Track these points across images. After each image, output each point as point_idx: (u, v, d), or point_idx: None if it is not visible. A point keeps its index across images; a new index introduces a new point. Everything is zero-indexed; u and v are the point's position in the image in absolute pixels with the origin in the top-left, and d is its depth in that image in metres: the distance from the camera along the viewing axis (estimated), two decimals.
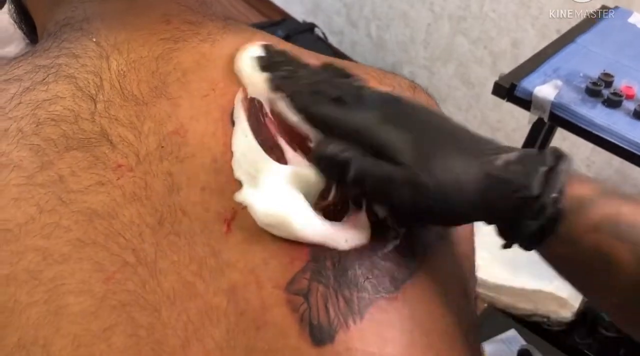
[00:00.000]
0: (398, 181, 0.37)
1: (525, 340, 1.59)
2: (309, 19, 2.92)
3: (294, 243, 0.39)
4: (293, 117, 0.40)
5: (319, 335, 0.37)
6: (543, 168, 0.37)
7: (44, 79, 0.40)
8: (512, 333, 1.61)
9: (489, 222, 0.39)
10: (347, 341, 0.37)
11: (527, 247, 0.38)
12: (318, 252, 0.39)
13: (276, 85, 0.40)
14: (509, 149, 0.39)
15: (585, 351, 1.28)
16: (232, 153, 0.40)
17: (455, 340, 0.42)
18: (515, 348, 1.58)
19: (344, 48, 2.84)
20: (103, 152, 0.38)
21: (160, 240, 0.37)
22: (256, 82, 0.41)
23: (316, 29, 2.83)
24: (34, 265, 0.34)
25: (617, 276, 0.36)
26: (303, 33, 2.76)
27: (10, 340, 0.33)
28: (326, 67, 0.42)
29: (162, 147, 0.39)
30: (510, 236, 0.39)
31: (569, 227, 0.36)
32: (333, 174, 0.39)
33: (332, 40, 2.86)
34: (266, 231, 0.38)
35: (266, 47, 0.42)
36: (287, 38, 2.59)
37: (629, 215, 0.36)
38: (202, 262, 0.37)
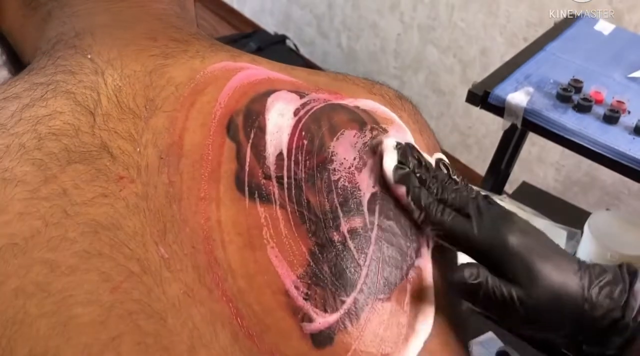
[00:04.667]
0: (515, 304, 0.42)
1: (503, 341, 1.61)
2: (280, 31, 2.94)
3: (293, 249, 0.40)
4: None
5: (319, 337, 0.38)
6: (624, 291, 0.43)
7: (42, 96, 0.40)
8: (489, 335, 1.63)
9: (571, 340, 0.44)
10: (346, 342, 0.39)
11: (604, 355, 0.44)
12: (316, 256, 0.40)
13: (414, 199, 0.44)
14: (590, 266, 0.45)
15: (564, 350, 1.30)
16: (230, 165, 0.41)
17: (450, 337, 0.43)
18: (493, 350, 1.60)
19: (315, 59, 2.86)
20: (104, 164, 0.39)
21: (164, 249, 0.38)
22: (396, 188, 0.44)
23: (287, 41, 2.85)
24: (41, 277, 0.35)
25: None
26: (275, 45, 2.77)
27: (21, 351, 0.33)
28: (442, 167, 0.48)
29: (162, 158, 0.40)
30: (594, 349, 0.44)
31: None
32: (466, 296, 0.44)
33: (304, 51, 2.88)
34: (264, 238, 0.39)
35: (401, 151, 0.45)
36: (259, 50, 2.60)
37: None
38: (204, 269, 0.38)
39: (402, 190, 0.44)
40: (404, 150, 0.45)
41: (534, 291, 0.42)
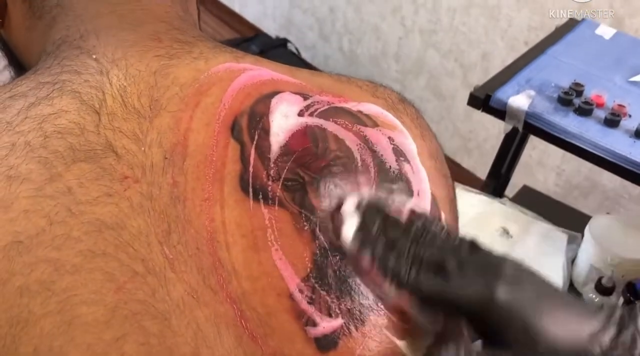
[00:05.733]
0: None
1: None
2: (282, 35, 2.94)
3: (297, 252, 0.40)
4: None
5: (324, 341, 0.38)
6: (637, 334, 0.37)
7: (48, 95, 0.41)
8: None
9: None
10: (350, 347, 0.39)
11: None
12: (320, 260, 0.40)
13: (382, 266, 0.38)
14: (598, 311, 0.39)
15: None
16: (234, 165, 0.41)
17: None
18: None
19: (316, 62, 2.87)
20: (109, 163, 0.39)
21: (168, 249, 0.38)
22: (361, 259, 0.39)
23: (289, 44, 2.86)
24: (46, 276, 0.35)
25: None
26: (276, 48, 2.78)
27: (25, 350, 0.34)
28: (416, 218, 0.40)
29: (166, 158, 0.40)
30: None
31: None
32: None
33: (305, 55, 2.88)
34: (268, 240, 0.40)
35: (363, 212, 0.39)
36: (260, 53, 2.61)
37: None
38: (208, 270, 0.38)
39: (365, 259, 0.38)
40: (366, 211, 0.39)
41: (530, 352, 0.36)
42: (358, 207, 0.40)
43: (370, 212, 0.40)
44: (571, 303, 0.39)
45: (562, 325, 0.37)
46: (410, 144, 0.46)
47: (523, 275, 0.39)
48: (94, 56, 0.44)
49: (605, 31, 1.42)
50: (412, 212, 0.42)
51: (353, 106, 0.46)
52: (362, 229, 0.39)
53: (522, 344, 0.37)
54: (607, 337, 0.37)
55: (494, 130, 2.17)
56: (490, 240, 1.32)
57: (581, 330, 0.38)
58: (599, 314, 0.39)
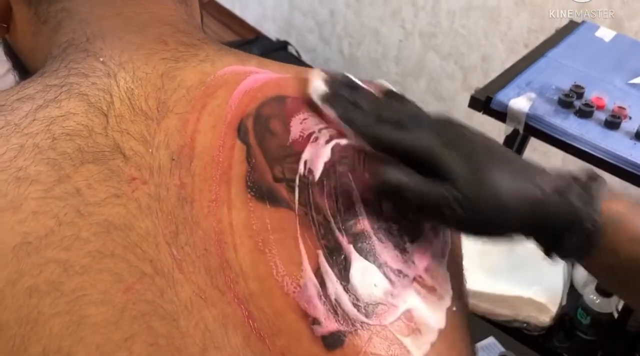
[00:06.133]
0: (452, 201, 0.41)
1: (504, 346, 1.62)
2: (282, 37, 2.95)
3: (303, 251, 0.40)
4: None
5: (330, 340, 0.39)
6: (582, 190, 0.42)
7: (56, 97, 0.41)
8: (490, 340, 1.63)
9: (531, 236, 0.45)
10: (356, 344, 0.39)
11: (572, 259, 0.44)
12: (326, 258, 0.40)
13: (346, 118, 0.44)
14: (551, 171, 0.44)
15: (564, 354, 1.31)
16: (240, 167, 0.41)
17: (456, 339, 0.44)
18: (494, 355, 1.61)
19: (316, 65, 2.87)
20: (117, 165, 0.39)
21: (176, 251, 0.38)
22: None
23: (289, 47, 2.86)
24: (55, 276, 0.35)
25: None
26: (277, 51, 2.78)
27: (35, 350, 0.34)
28: (386, 94, 0.47)
29: (173, 160, 0.41)
30: (556, 250, 0.44)
31: (609, 240, 0.42)
32: (393, 199, 0.43)
33: (305, 57, 2.89)
34: (274, 240, 0.40)
35: (330, 80, 0.45)
36: (261, 56, 2.61)
37: None
38: (216, 271, 0.39)
39: (330, 112, 0.44)
40: (335, 77, 0.46)
41: (474, 187, 0.41)
42: (326, 80, 0.45)
43: (340, 82, 0.46)
44: (524, 161, 0.44)
45: (504, 171, 0.42)
46: None
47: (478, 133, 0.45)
48: (101, 59, 0.44)
49: (605, 33, 1.42)
50: (387, 90, 0.48)
51: None
52: (331, 89, 0.44)
53: (464, 178, 0.41)
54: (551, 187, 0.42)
55: (495, 132, 2.16)
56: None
57: (524, 177, 0.43)
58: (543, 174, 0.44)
